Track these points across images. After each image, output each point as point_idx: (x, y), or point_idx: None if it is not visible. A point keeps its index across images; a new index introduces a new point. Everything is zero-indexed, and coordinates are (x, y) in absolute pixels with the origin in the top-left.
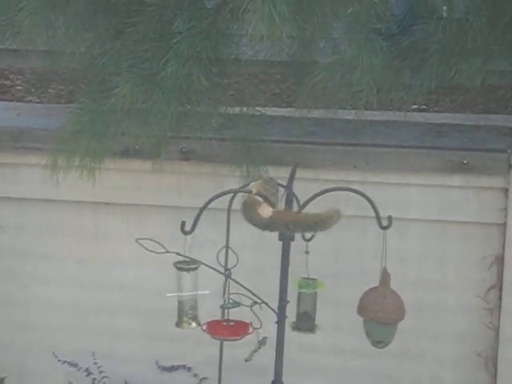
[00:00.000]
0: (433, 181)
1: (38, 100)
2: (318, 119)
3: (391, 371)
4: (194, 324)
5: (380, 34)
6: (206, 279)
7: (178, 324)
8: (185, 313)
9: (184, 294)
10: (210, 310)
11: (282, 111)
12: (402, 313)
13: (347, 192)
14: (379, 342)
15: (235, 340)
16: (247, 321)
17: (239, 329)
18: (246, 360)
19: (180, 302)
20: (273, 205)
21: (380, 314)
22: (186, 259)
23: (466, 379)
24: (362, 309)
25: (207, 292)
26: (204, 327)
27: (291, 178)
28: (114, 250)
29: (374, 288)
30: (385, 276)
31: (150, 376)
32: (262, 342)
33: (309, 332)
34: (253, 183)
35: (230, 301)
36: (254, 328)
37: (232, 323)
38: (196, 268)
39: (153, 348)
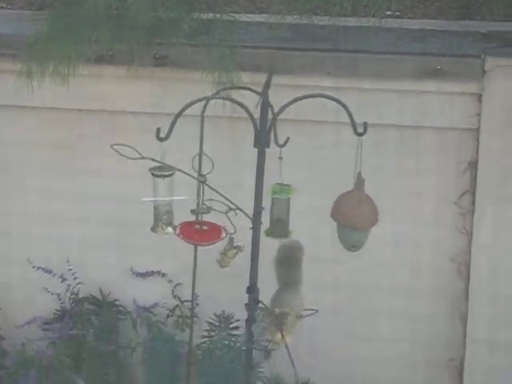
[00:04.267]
0: (407, 86)
1: (9, 6)
2: (292, 25)
3: (365, 280)
4: (169, 229)
5: None
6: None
7: (153, 229)
8: (159, 218)
9: (159, 199)
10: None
11: (255, 17)
12: (376, 217)
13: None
14: (353, 246)
15: (207, 245)
16: (221, 224)
17: (212, 233)
18: (222, 266)
19: (155, 208)
20: None
21: (355, 219)
22: (161, 165)
23: (440, 284)
24: (336, 214)
25: (185, 198)
26: (177, 231)
27: (267, 85)
28: (89, 157)
29: (348, 192)
30: (359, 181)
31: (125, 282)
32: (240, 248)
33: (282, 237)
34: None
35: (203, 206)
36: (227, 233)
37: (205, 227)
38: (171, 174)
39: (127, 256)
